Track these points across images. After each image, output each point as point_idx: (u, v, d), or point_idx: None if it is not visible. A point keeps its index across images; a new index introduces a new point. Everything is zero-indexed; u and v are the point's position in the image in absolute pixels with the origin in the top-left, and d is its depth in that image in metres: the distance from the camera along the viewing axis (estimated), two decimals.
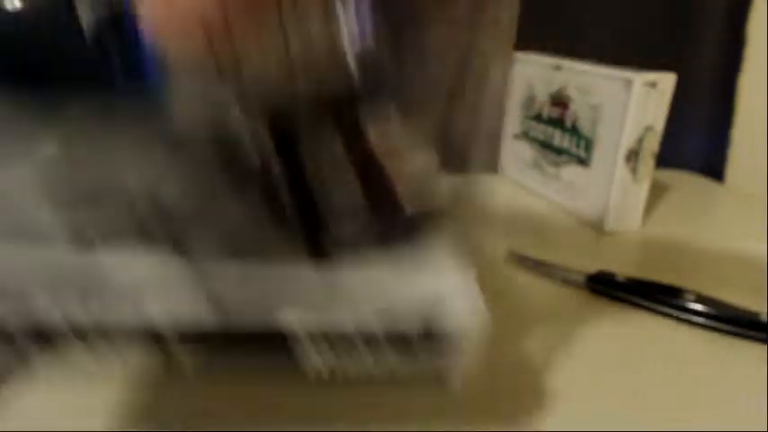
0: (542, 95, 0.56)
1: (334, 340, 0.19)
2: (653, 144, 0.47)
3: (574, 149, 0.51)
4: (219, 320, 0.18)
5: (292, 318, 0.18)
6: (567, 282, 0.40)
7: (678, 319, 0.35)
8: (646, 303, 0.36)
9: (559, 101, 0.53)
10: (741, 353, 0.32)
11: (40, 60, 0.21)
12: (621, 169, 0.47)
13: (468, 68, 0.26)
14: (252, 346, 0.19)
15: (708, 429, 0.26)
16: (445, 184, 0.22)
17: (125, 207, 0.20)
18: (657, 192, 0.60)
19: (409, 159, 0.22)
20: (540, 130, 0.57)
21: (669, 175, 0.66)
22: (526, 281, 0.40)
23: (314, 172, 0.20)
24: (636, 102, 0.45)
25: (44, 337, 0.18)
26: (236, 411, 0.26)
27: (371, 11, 0.21)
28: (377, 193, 0.21)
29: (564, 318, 0.35)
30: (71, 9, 0.20)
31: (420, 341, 0.19)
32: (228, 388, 0.27)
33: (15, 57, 0.21)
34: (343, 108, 0.21)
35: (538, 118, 0.57)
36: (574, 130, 0.51)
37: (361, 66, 0.21)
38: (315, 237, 0.20)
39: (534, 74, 0.57)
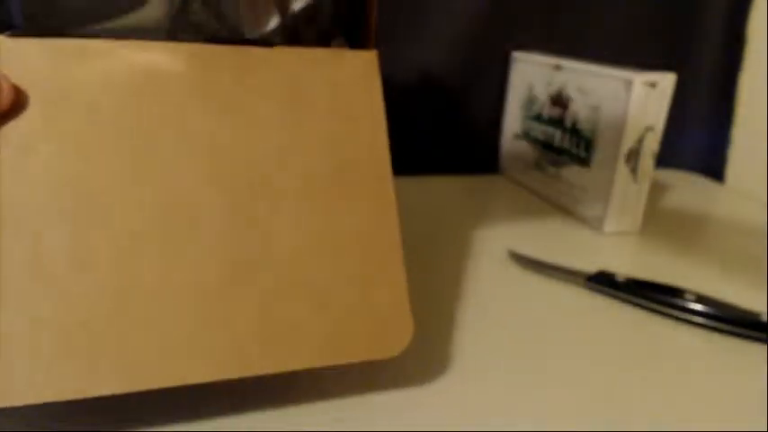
0: (542, 95, 0.56)
1: None
2: (653, 144, 0.47)
3: (574, 149, 0.51)
4: None
5: None
6: (567, 282, 0.40)
7: (678, 319, 0.35)
8: (646, 303, 0.36)
9: (559, 101, 0.53)
10: (741, 353, 0.32)
11: None
12: (621, 169, 0.47)
13: None
14: None
15: (708, 429, 0.26)
16: None
17: None
18: (657, 192, 0.60)
19: None
20: (540, 131, 0.57)
21: (669, 175, 0.67)
22: (526, 281, 0.40)
23: None
24: (636, 102, 0.45)
25: None
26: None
27: None
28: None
29: (564, 318, 0.35)
30: None
31: None
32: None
33: None
34: None
35: (538, 118, 0.57)
36: (574, 130, 0.51)
37: None
38: None
39: (534, 74, 0.57)
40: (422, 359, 0.31)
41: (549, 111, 0.55)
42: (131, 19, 0.25)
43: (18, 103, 0.23)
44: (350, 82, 0.27)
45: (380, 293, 0.26)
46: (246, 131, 0.25)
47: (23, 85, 0.23)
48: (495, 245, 0.46)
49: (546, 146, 0.56)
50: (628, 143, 0.46)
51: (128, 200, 0.24)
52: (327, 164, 0.26)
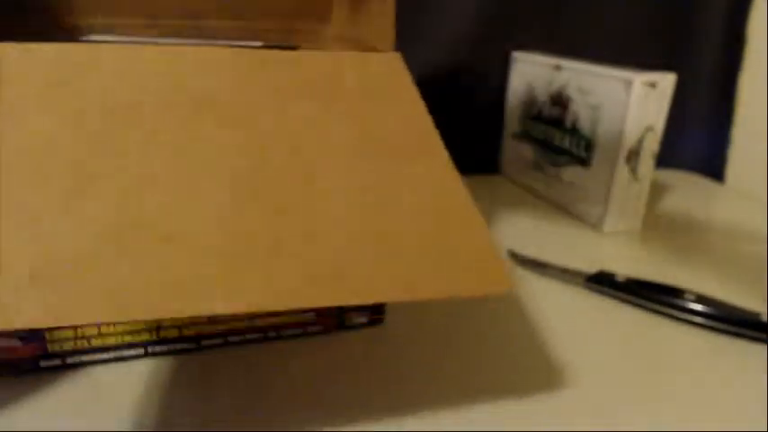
0: (542, 95, 0.56)
1: None
2: (653, 144, 0.47)
3: (574, 149, 0.51)
4: None
5: None
6: (567, 282, 0.40)
7: (678, 319, 0.35)
8: (646, 303, 0.36)
9: (559, 101, 0.53)
10: (741, 353, 0.32)
11: None
12: (621, 169, 0.47)
13: None
14: None
15: (708, 429, 0.26)
16: None
17: None
18: (657, 192, 0.60)
19: None
20: (540, 130, 0.57)
21: (669, 175, 0.67)
22: (526, 281, 0.40)
23: None
24: (636, 102, 0.45)
25: None
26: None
27: None
28: None
29: (564, 318, 0.35)
30: None
31: None
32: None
33: None
34: None
35: (538, 118, 0.57)
36: (574, 130, 0.51)
37: None
38: None
39: (534, 74, 0.57)
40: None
41: (549, 111, 0.55)
42: None
43: None
44: (380, 80, 0.28)
45: (458, 240, 0.23)
46: (279, 119, 0.25)
47: (27, 93, 0.23)
48: (496, 245, 0.46)
49: (546, 146, 0.56)
50: (628, 143, 0.46)
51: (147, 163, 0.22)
52: (370, 136, 0.26)
